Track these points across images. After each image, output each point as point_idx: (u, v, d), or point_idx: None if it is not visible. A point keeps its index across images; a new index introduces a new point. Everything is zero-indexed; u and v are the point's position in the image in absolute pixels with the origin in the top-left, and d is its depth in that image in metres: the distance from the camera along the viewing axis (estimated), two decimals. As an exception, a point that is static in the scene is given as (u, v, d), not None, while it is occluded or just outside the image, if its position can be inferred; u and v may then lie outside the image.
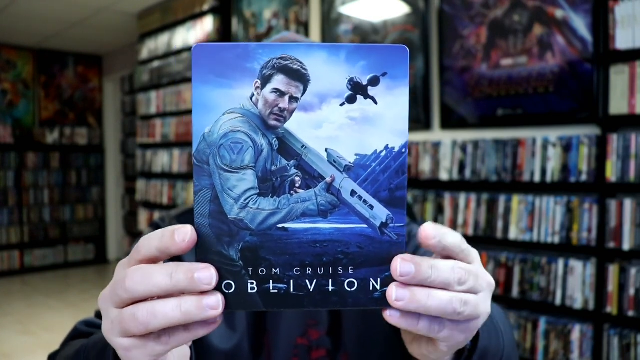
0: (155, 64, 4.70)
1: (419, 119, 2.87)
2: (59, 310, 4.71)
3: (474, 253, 0.44)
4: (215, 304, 0.37)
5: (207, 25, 4.15)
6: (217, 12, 4.12)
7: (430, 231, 0.40)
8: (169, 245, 0.38)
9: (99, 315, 0.71)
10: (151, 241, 0.38)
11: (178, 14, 4.43)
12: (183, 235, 0.37)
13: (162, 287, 0.37)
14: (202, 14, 4.21)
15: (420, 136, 2.87)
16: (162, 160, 4.66)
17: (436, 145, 2.72)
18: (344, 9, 3.23)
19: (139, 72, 4.95)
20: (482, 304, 0.42)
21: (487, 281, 0.43)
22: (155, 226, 0.86)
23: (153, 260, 0.39)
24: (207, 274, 0.37)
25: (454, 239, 0.41)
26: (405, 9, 2.93)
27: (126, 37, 5.72)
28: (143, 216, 4.93)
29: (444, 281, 0.39)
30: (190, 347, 0.50)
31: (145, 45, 4.84)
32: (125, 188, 6.66)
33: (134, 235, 6.12)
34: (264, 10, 3.88)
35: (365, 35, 3.11)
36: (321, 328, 0.80)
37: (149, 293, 0.37)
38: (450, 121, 2.74)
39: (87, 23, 5.25)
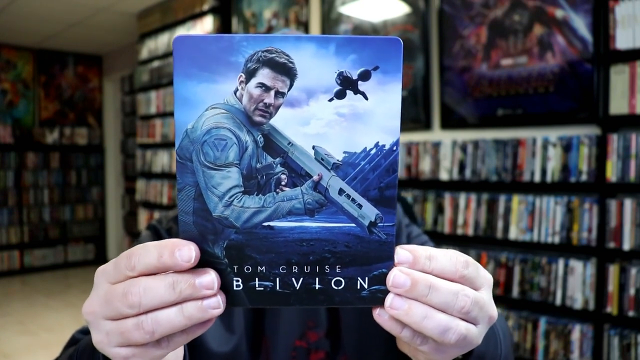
0: (155, 64, 4.69)
1: (419, 119, 2.86)
2: (59, 310, 4.71)
3: (482, 278, 0.41)
4: (216, 304, 0.37)
5: (207, 25, 4.15)
6: (217, 12, 4.12)
7: (408, 256, 0.39)
8: (170, 266, 0.36)
9: None
10: (147, 258, 0.37)
11: (178, 14, 4.43)
12: (187, 257, 0.36)
13: (168, 300, 0.36)
14: (202, 14, 4.20)
15: (420, 136, 2.87)
16: (162, 160, 4.65)
17: (436, 145, 2.72)
18: (344, 9, 3.23)
19: (139, 72, 4.94)
20: (476, 338, 0.40)
21: (489, 314, 0.41)
22: (153, 229, 0.85)
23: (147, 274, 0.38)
24: (208, 279, 0.36)
25: (442, 264, 0.39)
26: (405, 9, 2.92)
27: (126, 37, 5.71)
28: (143, 216, 4.93)
29: (444, 304, 0.38)
30: (184, 346, 0.50)
31: (145, 45, 4.84)
32: (125, 188, 6.65)
33: (134, 235, 6.12)
34: (264, 10, 3.87)
35: (365, 35, 3.11)
36: (320, 330, 0.80)
37: (153, 307, 0.36)
38: (450, 121, 2.73)
39: (87, 23, 5.24)
